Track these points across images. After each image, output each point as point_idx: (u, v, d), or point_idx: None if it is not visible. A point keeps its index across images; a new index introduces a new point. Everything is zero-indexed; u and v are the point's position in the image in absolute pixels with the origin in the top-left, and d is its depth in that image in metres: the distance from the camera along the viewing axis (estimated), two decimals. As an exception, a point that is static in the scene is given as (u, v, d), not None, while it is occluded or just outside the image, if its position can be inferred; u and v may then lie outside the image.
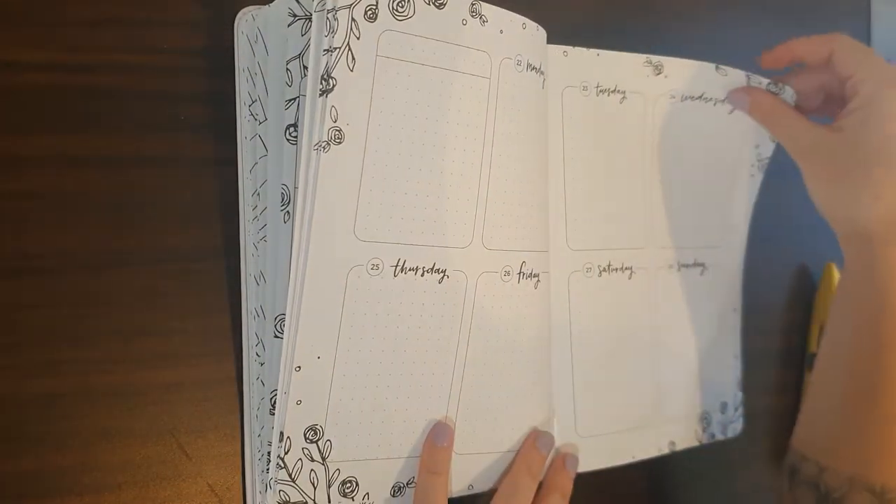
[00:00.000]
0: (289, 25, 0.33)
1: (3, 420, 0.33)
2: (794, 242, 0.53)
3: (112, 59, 0.35)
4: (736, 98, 0.44)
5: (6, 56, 0.33)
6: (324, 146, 0.32)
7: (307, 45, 0.32)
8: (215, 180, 0.36)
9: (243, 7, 0.36)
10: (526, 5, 0.37)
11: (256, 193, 0.35)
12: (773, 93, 0.44)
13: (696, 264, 0.46)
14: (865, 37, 0.58)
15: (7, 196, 0.33)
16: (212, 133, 0.36)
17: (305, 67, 0.32)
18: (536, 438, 0.39)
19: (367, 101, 0.33)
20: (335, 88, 0.32)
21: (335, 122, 0.32)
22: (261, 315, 0.35)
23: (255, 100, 0.35)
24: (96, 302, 0.34)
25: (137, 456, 0.35)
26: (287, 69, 0.33)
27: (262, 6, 0.35)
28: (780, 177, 0.48)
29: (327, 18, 0.31)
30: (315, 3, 0.32)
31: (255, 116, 0.35)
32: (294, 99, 0.33)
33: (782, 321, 0.53)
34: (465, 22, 0.34)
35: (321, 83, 0.32)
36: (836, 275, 0.53)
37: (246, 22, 0.35)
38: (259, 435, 0.35)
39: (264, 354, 0.35)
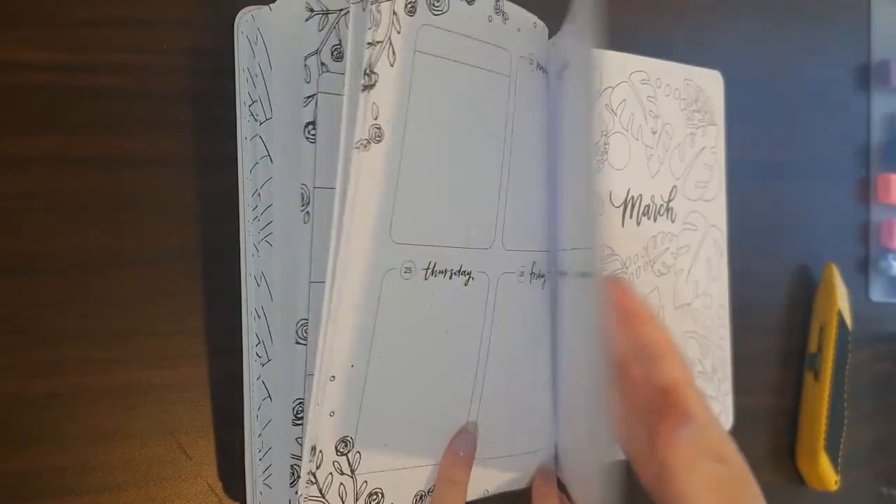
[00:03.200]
0: (306, 20, 0.33)
1: (3, 420, 0.33)
2: (794, 242, 0.53)
3: (112, 59, 0.35)
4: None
5: (6, 56, 0.33)
6: (364, 144, 0.31)
7: (324, 42, 0.32)
8: (215, 180, 0.36)
9: (243, 7, 0.36)
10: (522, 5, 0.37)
11: (257, 193, 0.35)
12: None
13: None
14: (865, 37, 0.58)
15: (7, 196, 0.33)
16: (212, 133, 0.36)
17: (324, 64, 0.32)
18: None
19: (405, 98, 0.32)
20: (377, 84, 0.31)
21: (376, 119, 0.31)
22: (261, 316, 0.35)
23: (256, 100, 0.35)
24: (96, 302, 0.34)
25: (137, 456, 0.35)
26: (305, 65, 0.33)
27: (262, 6, 0.35)
28: (779, 177, 0.48)
29: (371, 11, 0.30)
30: None
31: (256, 116, 0.35)
32: (312, 96, 0.33)
33: (782, 321, 0.53)
34: (490, 19, 0.34)
35: (364, 78, 0.30)
36: (836, 275, 0.53)
37: (246, 22, 0.35)
38: (259, 435, 0.35)
39: (265, 355, 0.35)
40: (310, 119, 0.33)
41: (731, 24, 0.51)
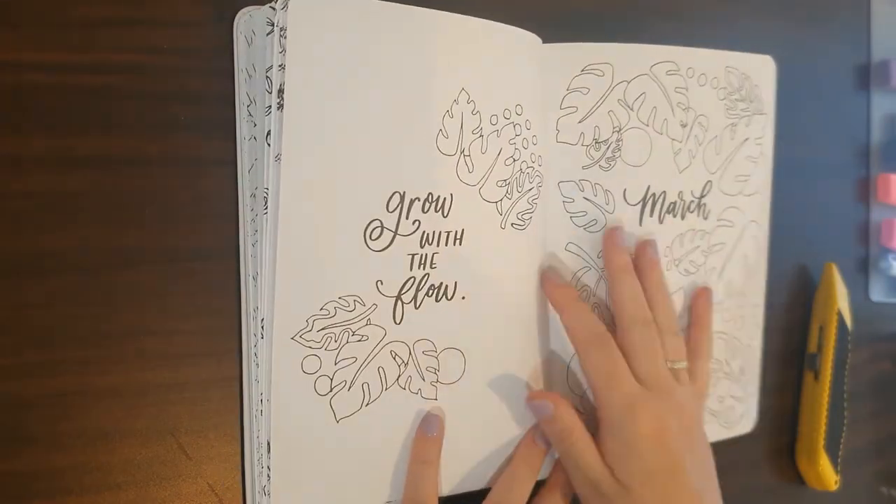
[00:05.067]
0: (267, 34, 0.33)
1: (3, 420, 0.33)
2: (794, 242, 0.53)
3: (112, 59, 0.35)
4: (536, 405, 0.39)
5: (6, 56, 0.33)
6: (278, 158, 0.32)
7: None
8: (215, 180, 0.36)
9: (243, 7, 0.36)
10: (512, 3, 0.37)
11: (253, 195, 0.35)
12: (577, 410, 0.39)
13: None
14: (865, 37, 0.58)
15: (7, 196, 0.33)
16: (212, 133, 0.36)
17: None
18: (536, 434, 0.39)
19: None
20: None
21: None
22: (256, 316, 0.35)
23: (253, 101, 0.35)
24: (96, 302, 0.34)
25: (137, 456, 0.35)
26: (266, 76, 0.33)
27: (260, 6, 0.35)
28: (779, 176, 0.48)
29: (280, 36, 0.32)
30: (276, 17, 0.32)
31: (253, 117, 0.35)
32: (271, 106, 0.33)
33: (782, 321, 0.53)
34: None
35: (278, 97, 0.32)
36: (836, 275, 0.53)
37: (245, 22, 0.36)
38: (258, 436, 0.35)
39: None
40: (270, 128, 0.33)
41: (731, 23, 0.51)
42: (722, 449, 0.47)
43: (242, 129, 0.36)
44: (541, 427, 0.39)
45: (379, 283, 0.35)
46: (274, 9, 0.32)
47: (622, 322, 0.39)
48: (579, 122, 0.42)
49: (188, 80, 0.36)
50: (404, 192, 0.35)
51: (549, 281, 0.40)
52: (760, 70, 0.46)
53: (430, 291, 0.36)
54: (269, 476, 0.33)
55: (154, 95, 0.35)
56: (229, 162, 0.36)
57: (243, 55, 0.36)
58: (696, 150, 0.44)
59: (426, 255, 0.36)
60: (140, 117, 0.35)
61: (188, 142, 0.36)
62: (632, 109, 0.42)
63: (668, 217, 0.44)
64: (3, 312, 0.33)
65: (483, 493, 0.38)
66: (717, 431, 0.47)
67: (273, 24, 0.33)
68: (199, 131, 0.36)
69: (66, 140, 0.34)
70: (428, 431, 0.36)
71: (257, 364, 0.35)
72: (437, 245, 0.36)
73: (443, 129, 0.36)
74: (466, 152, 0.36)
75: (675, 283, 0.44)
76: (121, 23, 0.35)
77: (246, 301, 0.36)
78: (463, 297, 0.37)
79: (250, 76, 0.35)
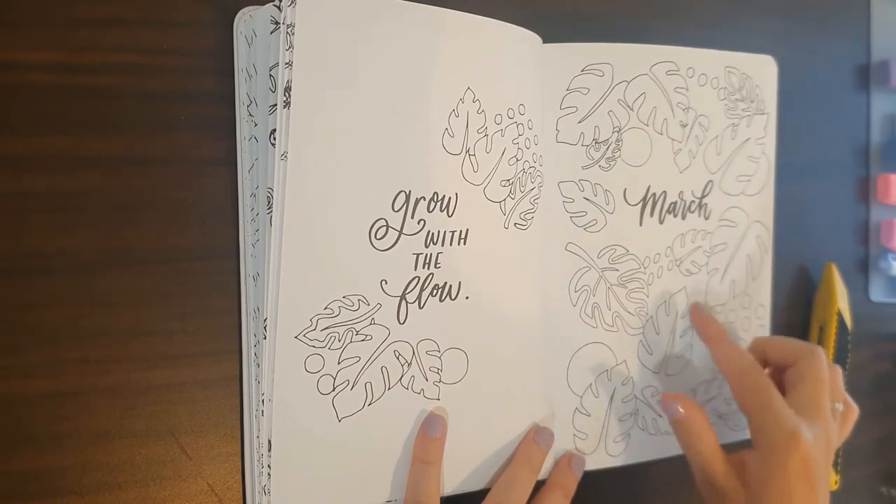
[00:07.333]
0: (271, 33, 0.33)
1: (3, 420, 0.33)
2: (794, 242, 0.53)
3: (112, 59, 0.35)
4: (667, 405, 0.41)
5: (6, 56, 0.33)
6: (285, 156, 0.32)
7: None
8: (215, 180, 0.36)
9: (243, 7, 0.36)
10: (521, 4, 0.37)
11: (253, 195, 0.35)
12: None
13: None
14: (865, 37, 0.58)
15: (7, 196, 0.33)
16: (212, 133, 0.36)
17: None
18: (536, 433, 0.39)
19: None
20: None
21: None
22: (258, 316, 0.35)
23: (252, 101, 0.35)
24: (96, 302, 0.34)
25: (137, 456, 0.35)
26: (270, 75, 0.33)
27: (260, 6, 0.35)
28: (779, 177, 0.48)
29: (286, 33, 0.32)
30: (283, 14, 0.32)
31: (253, 117, 0.35)
32: (276, 105, 0.33)
33: (782, 321, 0.53)
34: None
35: (284, 95, 0.32)
36: (836, 275, 0.53)
37: (245, 22, 0.36)
38: (258, 436, 0.35)
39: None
40: (273, 127, 0.33)
41: (731, 24, 0.51)
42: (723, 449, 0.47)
43: (242, 129, 0.36)
44: (672, 427, 0.41)
45: (383, 282, 0.35)
46: (278, 7, 0.32)
47: (806, 347, 0.41)
48: (579, 122, 0.42)
49: (188, 80, 0.36)
50: (410, 192, 0.35)
51: (700, 315, 0.44)
52: (762, 70, 0.46)
53: (435, 291, 0.36)
54: (269, 475, 0.33)
55: (154, 95, 0.35)
56: (229, 162, 0.36)
57: (243, 55, 0.36)
58: (697, 150, 0.44)
59: (431, 254, 0.36)
60: (140, 117, 0.35)
61: (188, 142, 0.36)
62: (632, 109, 0.42)
63: (669, 217, 0.44)
64: (3, 312, 0.33)
65: (483, 493, 0.38)
66: (727, 434, 0.47)
67: (278, 23, 0.33)
68: (199, 131, 0.36)
69: (67, 140, 0.34)
70: (430, 432, 0.36)
71: (258, 364, 0.35)
72: (442, 245, 0.36)
73: (448, 128, 0.36)
74: (471, 152, 0.36)
75: (678, 283, 0.45)
76: (121, 23, 0.35)
77: (246, 301, 0.36)
78: (466, 297, 0.37)
79: (251, 76, 0.35)
